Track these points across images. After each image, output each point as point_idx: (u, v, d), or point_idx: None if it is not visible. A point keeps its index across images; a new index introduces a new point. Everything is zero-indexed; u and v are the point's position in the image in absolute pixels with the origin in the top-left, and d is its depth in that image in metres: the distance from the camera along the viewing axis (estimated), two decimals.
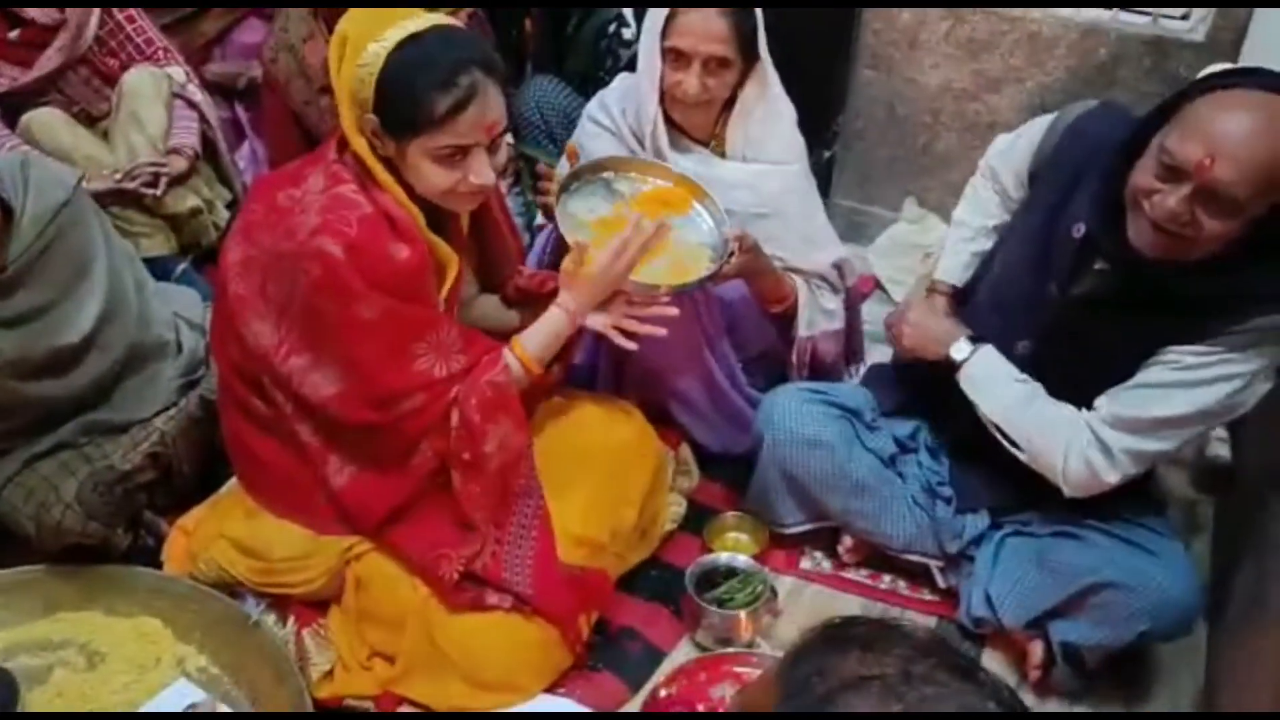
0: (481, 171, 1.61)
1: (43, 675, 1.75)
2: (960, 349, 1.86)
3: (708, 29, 1.99)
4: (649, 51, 2.06)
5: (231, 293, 1.68)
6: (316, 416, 1.69)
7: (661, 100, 2.09)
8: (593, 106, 2.24)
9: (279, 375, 1.67)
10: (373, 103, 1.56)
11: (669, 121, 2.12)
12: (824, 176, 3.07)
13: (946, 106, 2.96)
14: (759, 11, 2.05)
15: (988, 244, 2.00)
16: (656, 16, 2.04)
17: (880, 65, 2.98)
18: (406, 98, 1.54)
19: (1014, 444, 1.80)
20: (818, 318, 2.23)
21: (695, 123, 2.14)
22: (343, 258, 1.57)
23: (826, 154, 3.07)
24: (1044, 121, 1.86)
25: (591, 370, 2.21)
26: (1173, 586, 1.73)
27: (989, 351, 1.84)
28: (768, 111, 2.13)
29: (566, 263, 1.78)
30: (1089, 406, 1.76)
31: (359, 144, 1.61)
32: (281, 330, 1.64)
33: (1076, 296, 1.72)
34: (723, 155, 2.16)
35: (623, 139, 2.18)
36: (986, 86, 2.88)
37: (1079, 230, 1.69)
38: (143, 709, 1.69)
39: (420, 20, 1.58)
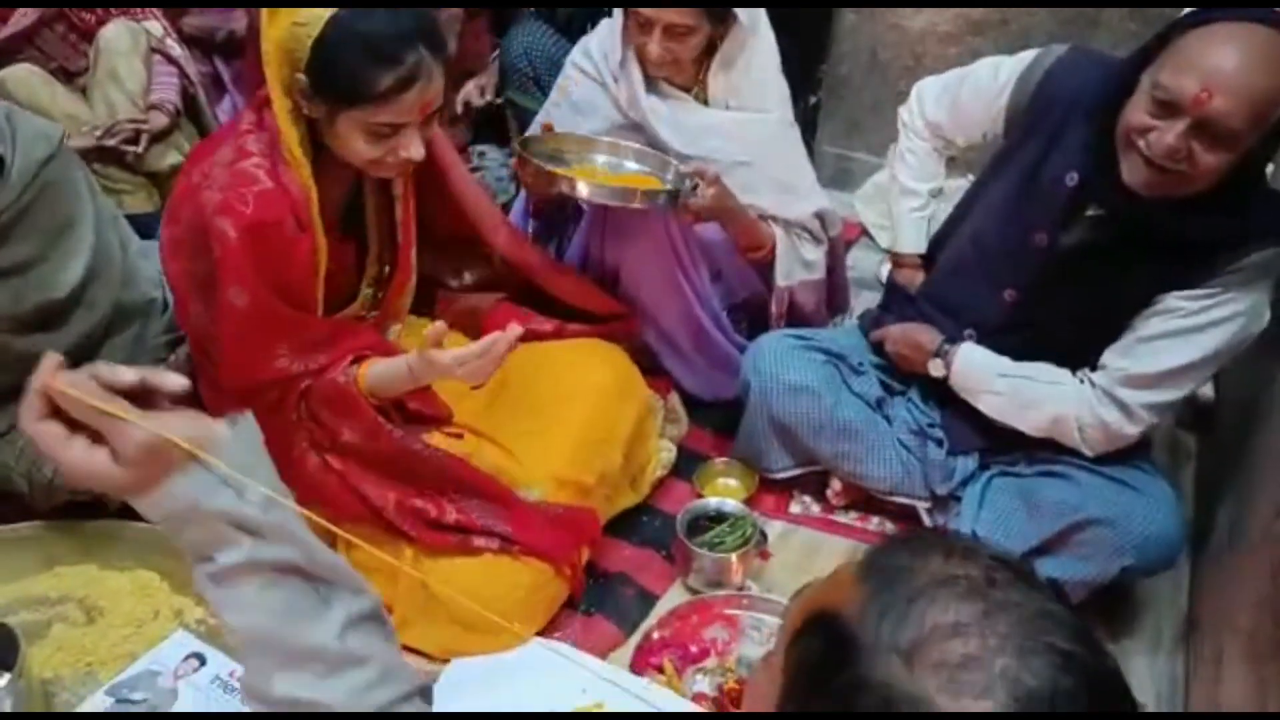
0: (411, 146, 1.57)
1: (42, 630, 1.76)
2: (936, 367, 1.91)
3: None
4: (619, 9, 2.06)
5: (170, 271, 1.69)
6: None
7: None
8: (576, 53, 2.23)
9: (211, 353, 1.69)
10: (306, 64, 1.50)
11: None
12: (809, 123, 3.06)
13: (930, 50, 2.95)
14: None
15: (940, 206, 2.02)
16: None
17: (863, 10, 2.96)
18: (345, 69, 1.49)
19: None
20: (796, 268, 2.23)
21: (672, 73, 2.13)
22: (236, 239, 1.55)
23: (812, 100, 3.06)
24: (996, 72, 1.85)
25: None
26: (1156, 522, 1.76)
27: (967, 356, 1.87)
28: (750, 62, 2.11)
29: (433, 331, 1.66)
30: (1079, 355, 1.78)
31: (279, 106, 1.55)
32: (211, 309, 1.64)
33: (1067, 246, 1.73)
34: (705, 102, 2.15)
35: (606, 86, 2.17)
36: (970, 29, 2.87)
37: (1072, 179, 1.69)
38: (142, 660, 1.71)
39: None
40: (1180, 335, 1.67)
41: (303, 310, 1.68)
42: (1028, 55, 1.82)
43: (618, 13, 2.10)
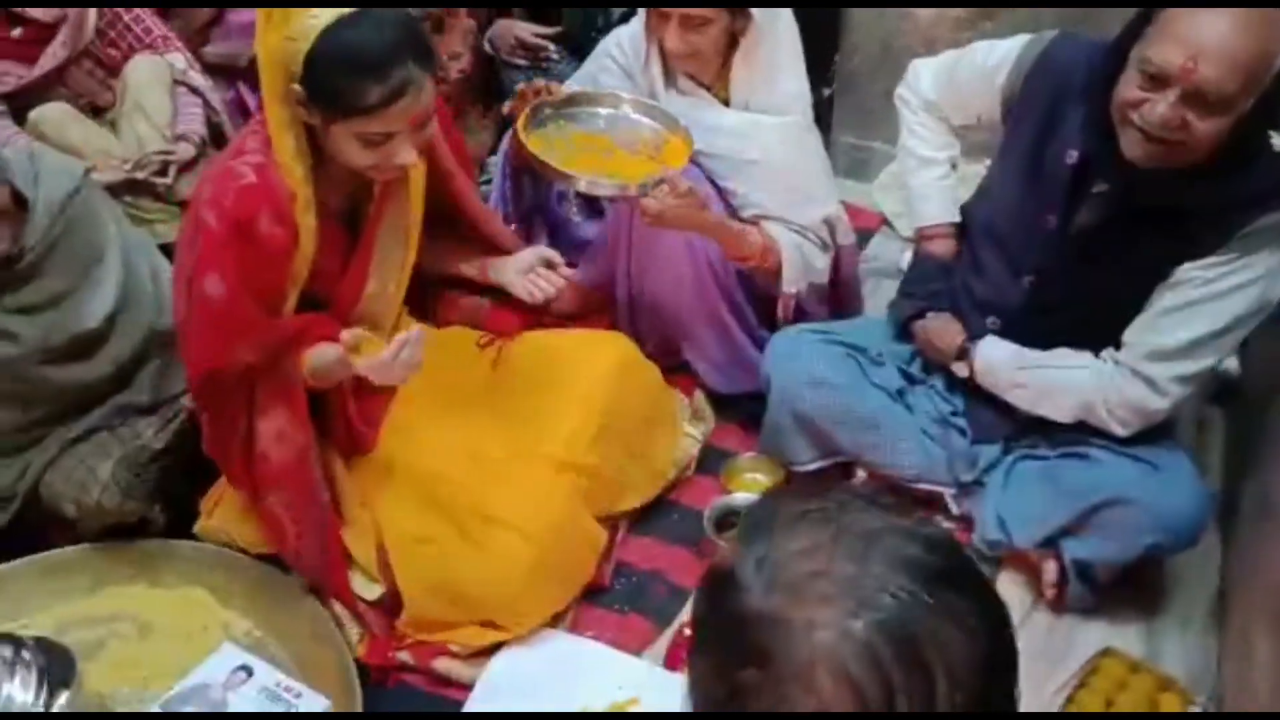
0: (404, 154, 1.61)
1: (97, 647, 1.83)
2: (959, 369, 1.93)
3: None
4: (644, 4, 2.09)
5: (177, 259, 1.74)
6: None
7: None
8: (609, 42, 2.26)
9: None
10: (300, 76, 1.54)
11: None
12: (824, 115, 3.07)
13: (942, 37, 2.93)
14: None
15: (957, 173, 2.02)
16: None
17: None
18: (335, 83, 1.52)
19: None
20: (802, 274, 2.22)
21: (695, 69, 2.14)
22: (216, 230, 1.60)
23: (827, 92, 3.07)
24: (990, 54, 1.86)
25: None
26: (1179, 499, 1.76)
27: (988, 354, 1.88)
28: (768, 61, 2.12)
29: (347, 336, 1.72)
30: (1103, 336, 1.78)
31: (271, 113, 1.60)
32: (186, 294, 1.69)
33: (1079, 226, 1.73)
34: (726, 101, 2.16)
35: (633, 77, 2.20)
36: (981, 14, 2.86)
37: (1071, 157, 1.70)
38: (193, 674, 1.77)
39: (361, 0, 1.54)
40: (1200, 304, 1.67)
41: (274, 309, 1.72)
42: (1021, 39, 1.82)
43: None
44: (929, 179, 2.05)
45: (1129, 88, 1.55)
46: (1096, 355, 1.81)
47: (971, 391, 1.99)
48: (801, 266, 2.17)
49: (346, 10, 1.52)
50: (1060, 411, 1.85)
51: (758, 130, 2.15)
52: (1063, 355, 1.83)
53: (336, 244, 1.78)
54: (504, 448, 1.90)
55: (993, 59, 1.85)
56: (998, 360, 1.88)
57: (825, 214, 2.20)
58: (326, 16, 1.51)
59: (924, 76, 2.00)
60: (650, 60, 2.14)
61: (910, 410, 2.03)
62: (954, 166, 2.08)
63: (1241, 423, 2.16)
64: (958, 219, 2.03)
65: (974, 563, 0.73)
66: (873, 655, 0.66)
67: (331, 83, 1.53)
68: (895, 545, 0.70)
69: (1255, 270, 1.63)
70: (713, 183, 2.16)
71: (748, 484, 2.16)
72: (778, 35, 2.12)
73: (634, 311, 2.25)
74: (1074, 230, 1.74)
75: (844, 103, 3.14)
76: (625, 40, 2.21)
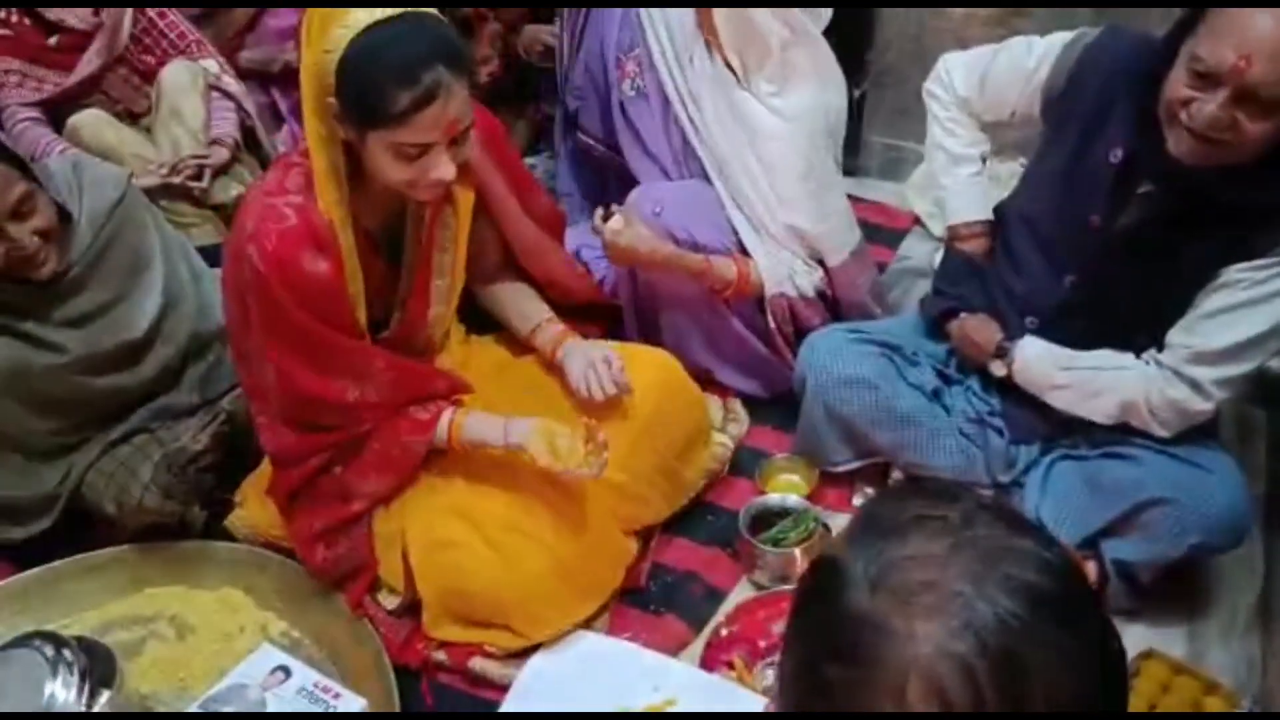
0: (441, 167, 1.58)
1: (137, 647, 1.85)
2: (997, 368, 1.90)
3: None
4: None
5: (224, 274, 1.76)
6: (263, 394, 1.77)
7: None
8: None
9: (242, 354, 1.77)
10: (334, 89, 1.53)
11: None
12: (856, 114, 3.05)
13: (974, 34, 2.91)
14: None
15: (994, 192, 2.00)
16: None
17: None
18: (365, 90, 1.50)
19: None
20: (785, 279, 2.20)
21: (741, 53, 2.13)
22: (263, 269, 1.61)
23: (858, 91, 3.05)
24: (1030, 51, 1.84)
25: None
26: (1222, 499, 1.73)
27: (1027, 354, 1.85)
28: (798, 61, 2.11)
29: (543, 442, 1.76)
30: (1145, 337, 1.76)
31: (311, 130, 1.59)
32: (242, 308, 1.71)
33: (1124, 226, 1.71)
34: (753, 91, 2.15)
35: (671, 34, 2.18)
36: (1014, 11, 2.83)
37: (1116, 156, 1.68)
38: (232, 674, 1.78)
39: (391, 5, 1.52)
40: (1246, 307, 1.65)
41: (351, 334, 1.73)
42: (1063, 36, 1.80)
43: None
44: (961, 176, 2.03)
45: (1178, 86, 1.53)
46: (1136, 356, 1.79)
47: (1008, 391, 1.96)
48: (781, 270, 2.18)
49: (379, 16, 1.50)
50: (1101, 413, 1.82)
51: (761, 122, 2.13)
52: (1104, 356, 1.81)
53: (373, 268, 1.77)
54: None
55: (1033, 56, 1.83)
56: (1037, 360, 1.86)
57: (805, 226, 2.18)
58: (358, 24, 1.49)
59: (956, 72, 1.98)
60: (694, 45, 2.14)
61: (947, 410, 2.01)
62: (984, 161, 2.06)
63: None
64: (990, 217, 2.01)
65: (1093, 594, 0.70)
66: (970, 677, 0.64)
67: (361, 89, 1.51)
68: (1014, 569, 0.67)
69: None
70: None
71: (782, 485, 2.15)
72: (814, 42, 2.12)
73: (647, 332, 2.27)
74: (1119, 230, 1.72)
75: (876, 102, 3.12)
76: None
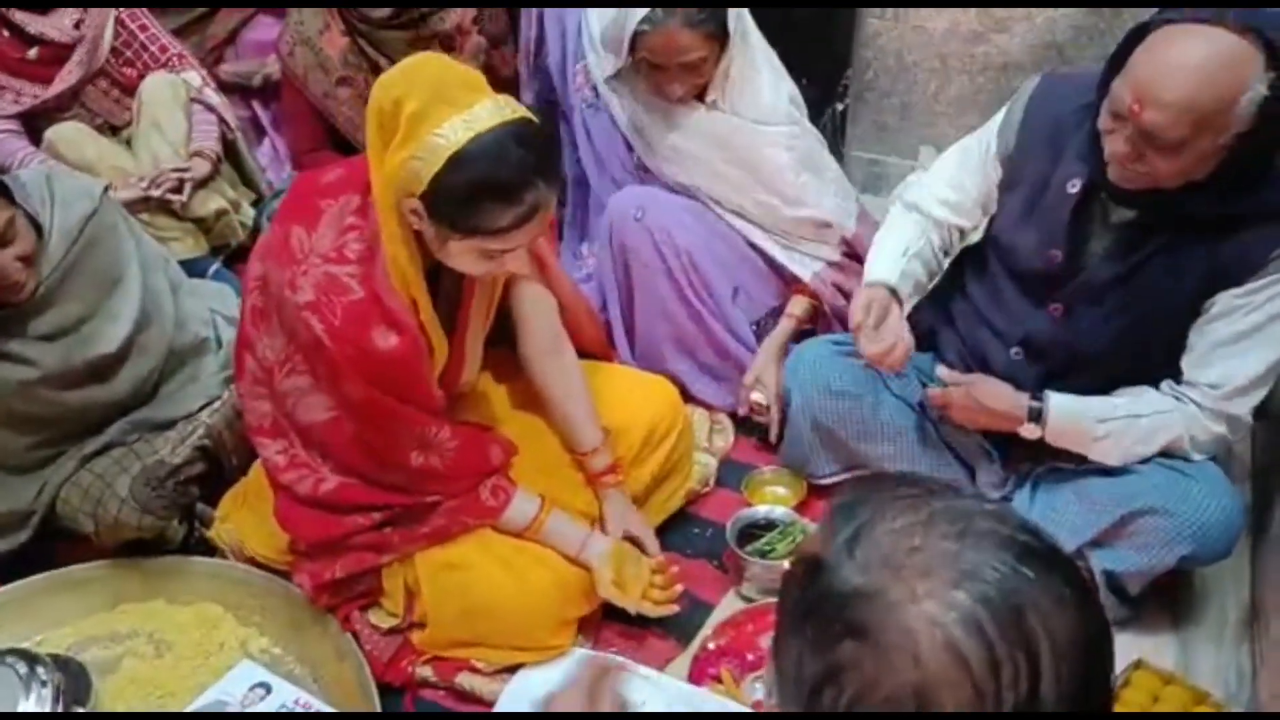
0: (518, 264, 1.58)
1: (114, 665, 1.81)
2: (1029, 431, 1.80)
3: (677, 46, 1.99)
4: (616, 43, 2.08)
5: (249, 305, 1.71)
6: (306, 435, 1.71)
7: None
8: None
9: (276, 391, 1.70)
10: (423, 194, 1.47)
11: None
12: (838, 130, 3.07)
13: (955, 50, 2.94)
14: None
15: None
16: (627, 23, 2.01)
17: (886, 14, 2.97)
18: (463, 205, 1.47)
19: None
20: (809, 260, 2.24)
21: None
22: (328, 342, 1.56)
23: (840, 107, 3.07)
24: (981, 142, 1.85)
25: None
26: (1212, 509, 1.72)
27: (1060, 412, 1.76)
28: (742, 68, 2.11)
29: (609, 573, 1.78)
30: (1138, 369, 1.75)
31: (390, 233, 1.54)
32: (289, 349, 1.66)
33: (1100, 255, 1.70)
34: (705, 102, 2.15)
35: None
36: (995, 26, 2.86)
37: (1074, 186, 1.67)
38: (211, 691, 1.75)
39: (486, 111, 1.46)
40: (1258, 330, 1.64)
41: (426, 407, 1.69)
42: (1005, 109, 1.82)
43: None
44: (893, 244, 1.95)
45: (1103, 116, 1.55)
46: (1137, 382, 1.76)
47: None
48: (799, 255, 2.23)
49: (481, 128, 1.44)
50: (1143, 456, 1.77)
51: (736, 135, 2.14)
52: (1136, 400, 1.75)
53: None
54: (534, 463, 1.88)
55: (982, 144, 1.85)
56: (1071, 418, 1.77)
57: (822, 218, 2.21)
58: (457, 137, 1.44)
59: (931, 203, 1.94)
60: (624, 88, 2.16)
61: (934, 422, 2.01)
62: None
63: (1273, 432, 2.13)
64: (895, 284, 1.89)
65: (1057, 543, 0.73)
66: (977, 624, 0.65)
67: (459, 204, 1.47)
68: (989, 526, 0.70)
69: None
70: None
71: (769, 497, 2.13)
72: (753, 46, 2.12)
73: (629, 336, 2.27)
74: (1094, 260, 1.71)
75: (858, 118, 3.14)
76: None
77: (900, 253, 1.91)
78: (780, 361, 2.17)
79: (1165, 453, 1.77)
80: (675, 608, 1.83)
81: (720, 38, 2.01)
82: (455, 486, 1.76)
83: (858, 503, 0.74)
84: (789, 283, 2.28)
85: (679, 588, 1.85)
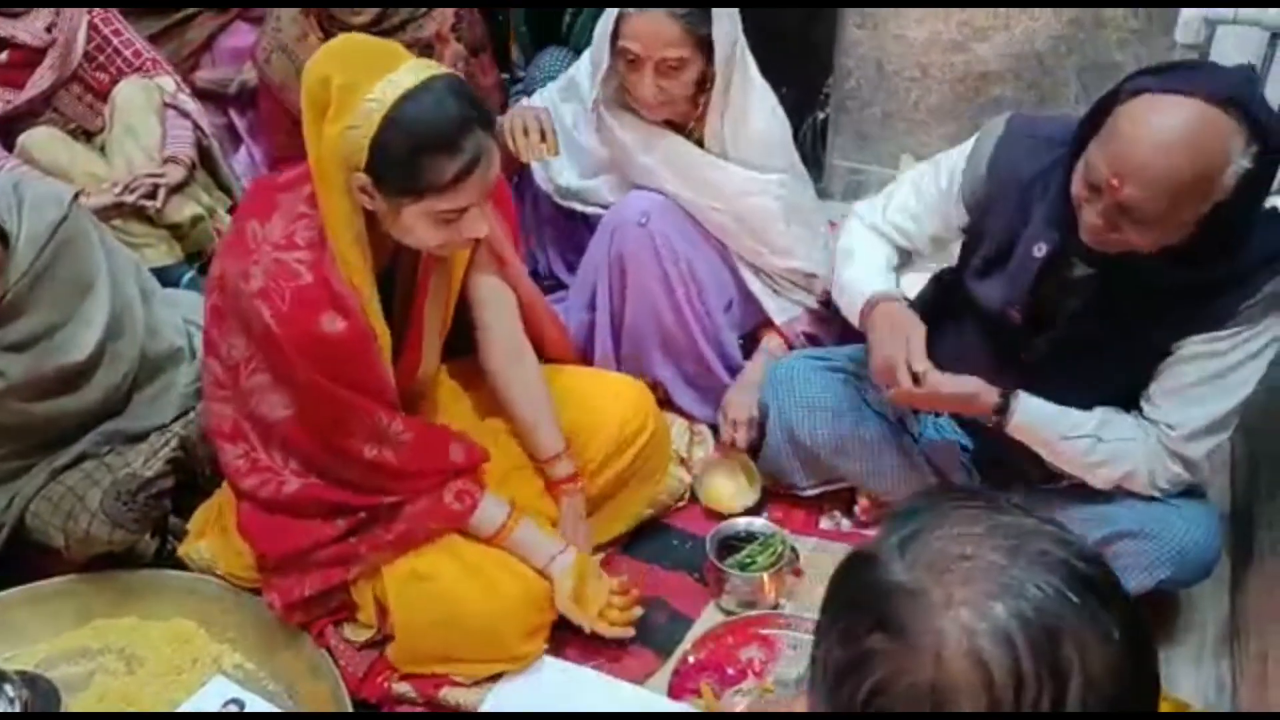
0: (476, 226, 1.57)
1: (84, 682, 1.78)
2: (990, 420, 1.75)
3: (658, 33, 1.95)
4: (599, 48, 2.05)
5: (210, 304, 1.70)
6: (268, 434, 1.70)
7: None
8: (579, 69, 2.24)
9: (240, 390, 1.68)
10: (365, 164, 1.49)
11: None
12: (819, 139, 3.08)
13: (935, 59, 2.95)
14: (726, 15, 1.99)
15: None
16: (610, 15, 2.00)
17: (867, 23, 2.97)
18: (406, 164, 1.48)
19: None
20: (788, 304, 2.24)
21: (669, 113, 2.11)
22: (276, 328, 1.56)
23: (821, 116, 3.07)
24: (937, 174, 1.83)
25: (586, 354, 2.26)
26: (1192, 532, 1.72)
27: (1027, 412, 1.73)
28: (737, 110, 2.09)
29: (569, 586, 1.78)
30: (1110, 393, 1.73)
31: (333, 209, 1.54)
32: (251, 346, 1.65)
33: (1067, 311, 1.68)
34: (700, 143, 2.13)
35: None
36: (974, 36, 2.87)
37: (1040, 250, 1.65)
38: (183, 707, 1.72)
39: (411, 71, 1.49)
40: (1220, 378, 1.63)
41: (379, 397, 1.68)
42: (966, 146, 1.78)
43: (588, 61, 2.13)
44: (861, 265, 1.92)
45: (1077, 182, 1.51)
46: (1109, 404, 1.74)
47: (979, 433, 1.91)
48: (778, 299, 2.24)
49: (407, 86, 1.46)
50: (1101, 479, 1.75)
51: (727, 181, 2.13)
52: (1109, 426, 1.72)
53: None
54: (497, 470, 1.87)
55: (940, 180, 1.82)
56: (1038, 424, 1.74)
57: (806, 269, 2.22)
58: (386, 97, 1.45)
59: (890, 229, 1.92)
60: (598, 110, 2.13)
61: (914, 438, 2.00)
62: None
63: (1252, 452, 2.13)
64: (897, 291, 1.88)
65: (1122, 584, 0.72)
66: (1008, 638, 0.66)
67: (404, 165, 1.47)
68: (1044, 546, 0.70)
69: (1265, 336, 1.60)
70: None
71: (726, 495, 2.14)
72: (749, 83, 2.09)
73: (615, 338, 2.24)
74: (1064, 319, 1.69)
75: (839, 127, 3.15)
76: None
77: (886, 266, 1.91)
78: (754, 395, 2.14)
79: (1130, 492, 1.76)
80: (631, 631, 1.81)
81: (702, 48, 1.98)
82: (413, 485, 1.73)
83: (921, 508, 0.76)
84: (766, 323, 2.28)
85: (638, 610, 1.84)
